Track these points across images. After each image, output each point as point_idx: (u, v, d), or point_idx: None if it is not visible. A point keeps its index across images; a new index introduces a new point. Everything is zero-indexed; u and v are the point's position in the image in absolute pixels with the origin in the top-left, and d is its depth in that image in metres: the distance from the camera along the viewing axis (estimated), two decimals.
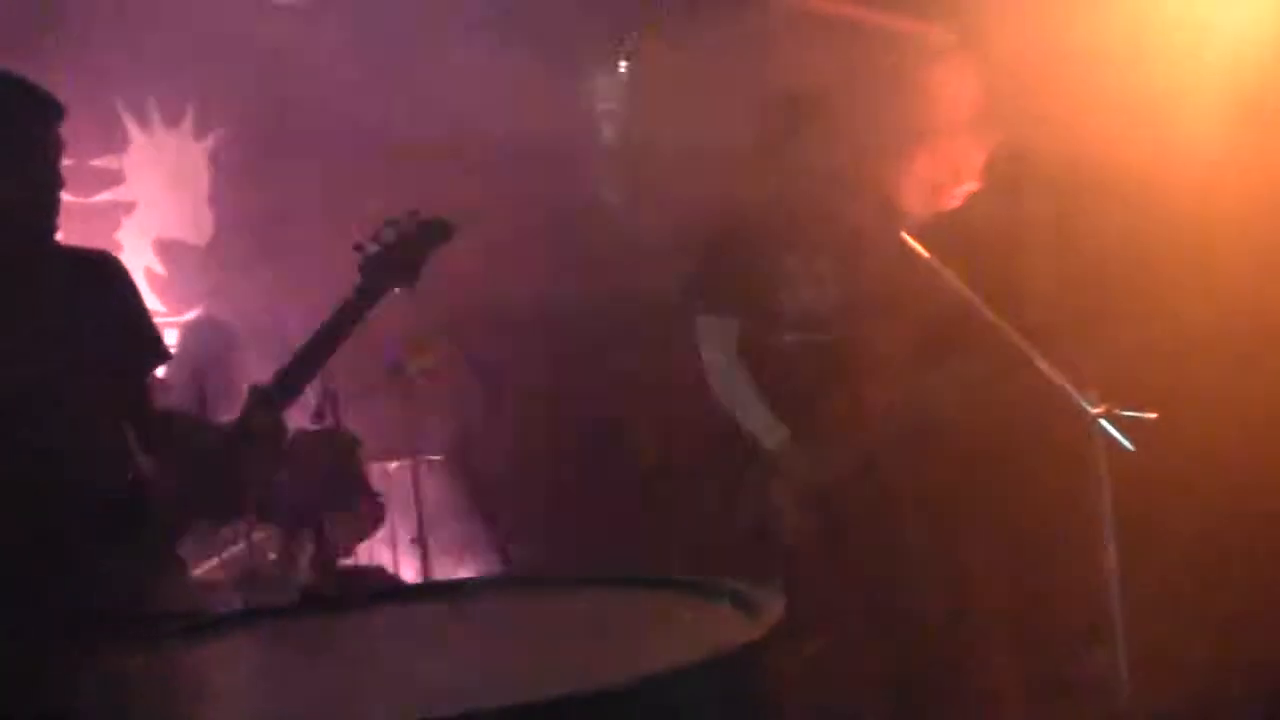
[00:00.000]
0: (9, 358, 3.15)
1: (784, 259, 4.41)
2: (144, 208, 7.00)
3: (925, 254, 4.23)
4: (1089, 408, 3.88)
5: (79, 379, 3.23)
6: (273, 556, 5.54)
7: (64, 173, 3.26)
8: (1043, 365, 3.96)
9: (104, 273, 3.44)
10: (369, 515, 6.04)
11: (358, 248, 3.43)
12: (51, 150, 3.20)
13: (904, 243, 4.25)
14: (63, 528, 3.13)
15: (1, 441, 3.13)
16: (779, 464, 4.25)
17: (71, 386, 3.21)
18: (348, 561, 5.96)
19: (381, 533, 6.33)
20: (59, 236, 3.36)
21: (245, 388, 3.33)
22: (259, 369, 6.50)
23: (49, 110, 3.20)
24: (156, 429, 3.49)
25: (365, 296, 3.38)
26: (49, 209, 3.24)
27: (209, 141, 7.25)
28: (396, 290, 3.44)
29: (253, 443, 3.28)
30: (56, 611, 3.02)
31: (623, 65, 6.90)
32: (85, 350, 3.26)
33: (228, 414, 3.63)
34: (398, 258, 3.44)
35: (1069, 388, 3.92)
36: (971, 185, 4.86)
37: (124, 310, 3.45)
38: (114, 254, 3.60)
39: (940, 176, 4.96)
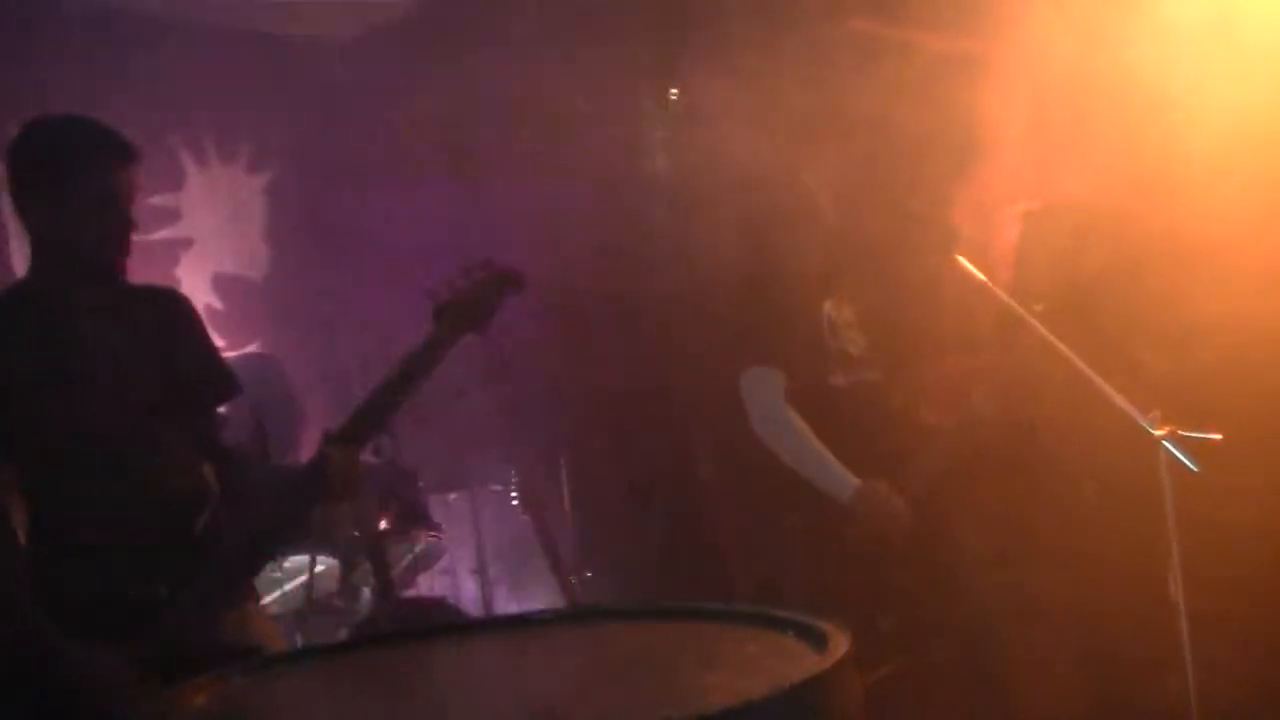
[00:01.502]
0: (89, 396, 3.21)
1: (828, 301, 4.34)
2: (202, 244, 7.07)
3: (980, 277, 4.21)
4: (1151, 429, 3.84)
5: (156, 415, 3.29)
6: (335, 589, 5.57)
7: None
8: (1104, 387, 3.93)
9: (174, 310, 3.51)
10: (429, 547, 6.06)
11: (431, 294, 3.50)
12: (126, 193, 3.26)
13: (959, 266, 4.22)
14: (140, 563, 3.18)
15: (81, 478, 3.18)
16: (851, 509, 4.16)
17: (148, 422, 3.27)
18: (409, 593, 5.98)
19: (442, 564, 6.35)
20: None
21: (321, 433, 3.37)
22: (314, 403, 6.61)
23: (124, 154, 3.26)
24: (230, 466, 3.53)
25: (438, 343, 3.45)
26: (122, 250, 3.29)
27: (265, 177, 7.32)
28: (468, 336, 3.51)
29: (327, 486, 3.32)
30: (132, 646, 3.06)
31: (673, 94, 6.91)
32: (160, 387, 3.32)
33: (283, 446, 3.68)
34: (471, 306, 3.51)
35: (1131, 409, 3.88)
36: (1026, 206, 4.82)
37: (194, 346, 3.51)
38: (177, 290, 3.66)
39: (994, 200, 4.93)
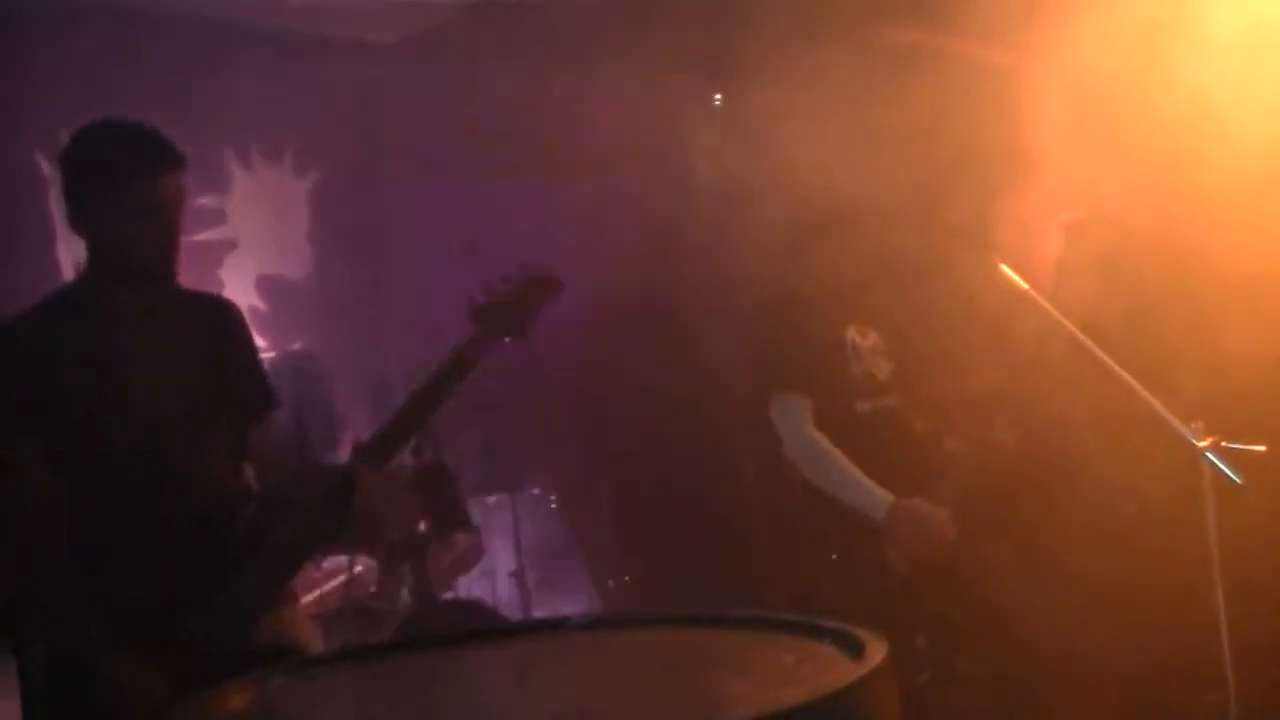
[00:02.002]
0: (134, 401, 3.23)
1: (851, 327, 4.33)
2: (246, 245, 7.10)
3: (1024, 285, 4.19)
4: (1195, 441, 3.81)
5: (201, 420, 3.32)
6: (373, 589, 5.59)
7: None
8: (1147, 397, 3.90)
9: (223, 318, 3.54)
10: (468, 549, 6.07)
11: (471, 299, 3.51)
12: (176, 199, 3.28)
13: (1000, 277, 4.20)
14: (180, 566, 3.21)
15: (123, 481, 3.21)
16: (885, 528, 4.16)
17: (193, 427, 3.30)
18: (447, 595, 6.00)
19: (481, 566, 6.37)
20: None
21: (352, 446, 3.41)
22: (356, 404, 6.64)
23: (175, 161, 3.28)
24: (269, 470, 3.56)
25: (477, 346, 3.47)
26: (172, 256, 3.31)
27: (309, 179, 7.35)
28: (507, 340, 3.53)
29: (357, 499, 3.33)
30: (170, 649, 3.08)
31: (717, 99, 6.92)
32: (205, 394, 3.35)
33: (323, 445, 3.70)
34: (510, 311, 3.53)
35: (1174, 420, 3.85)
36: (1068, 217, 4.80)
37: (242, 357, 3.54)
38: (227, 299, 3.69)
39: (1037, 210, 4.90)
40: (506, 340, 3.54)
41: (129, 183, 3.21)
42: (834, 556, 4.27)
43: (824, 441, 4.22)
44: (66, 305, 3.34)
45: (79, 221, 3.27)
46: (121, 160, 3.23)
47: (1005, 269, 4.23)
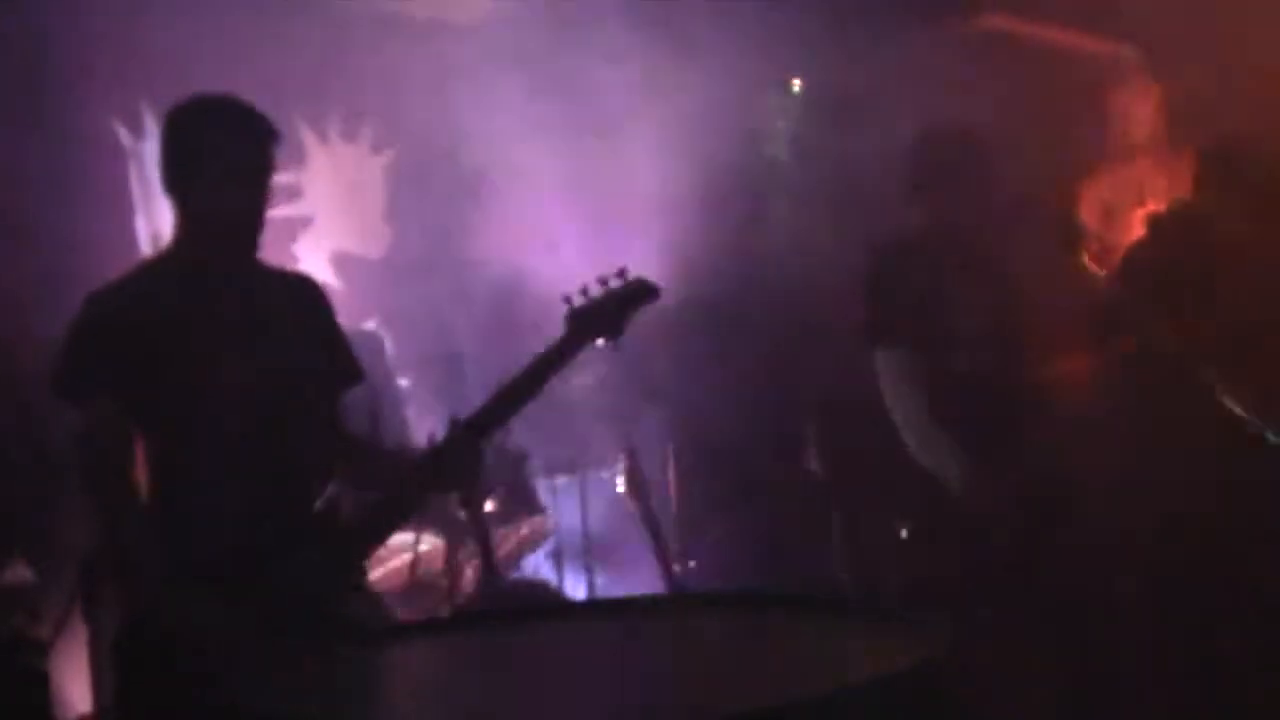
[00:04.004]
0: (224, 369, 3.30)
1: (956, 283, 4.31)
2: (321, 221, 7.13)
3: (1102, 275, 4.15)
4: (1272, 437, 3.76)
5: (289, 393, 3.40)
6: (439, 568, 5.60)
7: None
8: (1225, 394, 3.84)
9: (310, 295, 3.69)
10: (535, 529, 6.07)
11: (566, 300, 3.62)
12: (269, 170, 3.45)
13: (1084, 265, 4.16)
14: (259, 535, 3.26)
15: (209, 449, 3.28)
16: (963, 496, 4.13)
17: (278, 399, 3.36)
18: (513, 575, 6.00)
19: (547, 547, 6.36)
20: None
21: (449, 419, 3.51)
22: (425, 384, 6.65)
23: (270, 134, 3.45)
24: (351, 447, 3.68)
25: (570, 346, 3.58)
26: (260, 226, 3.46)
27: (386, 157, 7.36)
28: (599, 342, 3.64)
29: (448, 473, 3.49)
30: (244, 615, 3.11)
31: (796, 85, 6.88)
32: (292, 367, 3.42)
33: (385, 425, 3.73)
34: (603, 314, 3.63)
35: (1251, 416, 3.80)
36: (1154, 207, 4.75)
37: (326, 332, 3.67)
38: (313, 277, 3.85)
39: (1123, 199, 4.85)
40: (600, 344, 3.64)
41: (228, 151, 3.37)
42: (902, 534, 4.26)
43: (918, 398, 4.25)
44: (159, 270, 3.47)
45: (177, 187, 3.40)
46: (222, 130, 3.39)
47: (1086, 260, 4.20)
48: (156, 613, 3.16)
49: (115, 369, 3.24)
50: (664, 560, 5.94)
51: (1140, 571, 4.33)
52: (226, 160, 3.36)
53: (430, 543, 5.54)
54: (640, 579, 6.60)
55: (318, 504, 3.44)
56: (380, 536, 3.51)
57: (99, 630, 4.54)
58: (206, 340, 3.31)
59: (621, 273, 3.67)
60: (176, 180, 3.40)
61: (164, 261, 3.49)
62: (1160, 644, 4.35)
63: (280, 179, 3.58)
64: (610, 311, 3.62)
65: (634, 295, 3.67)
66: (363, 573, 3.54)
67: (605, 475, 6.58)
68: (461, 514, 5.35)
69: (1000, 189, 4.30)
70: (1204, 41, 4.73)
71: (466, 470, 3.49)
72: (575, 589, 6.37)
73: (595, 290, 3.63)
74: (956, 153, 4.34)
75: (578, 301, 3.61)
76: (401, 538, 5.47)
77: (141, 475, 3.29)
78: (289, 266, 3.92)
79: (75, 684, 4.96)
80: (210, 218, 3.38)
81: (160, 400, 3.26)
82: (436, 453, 3.51)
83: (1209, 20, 4.77)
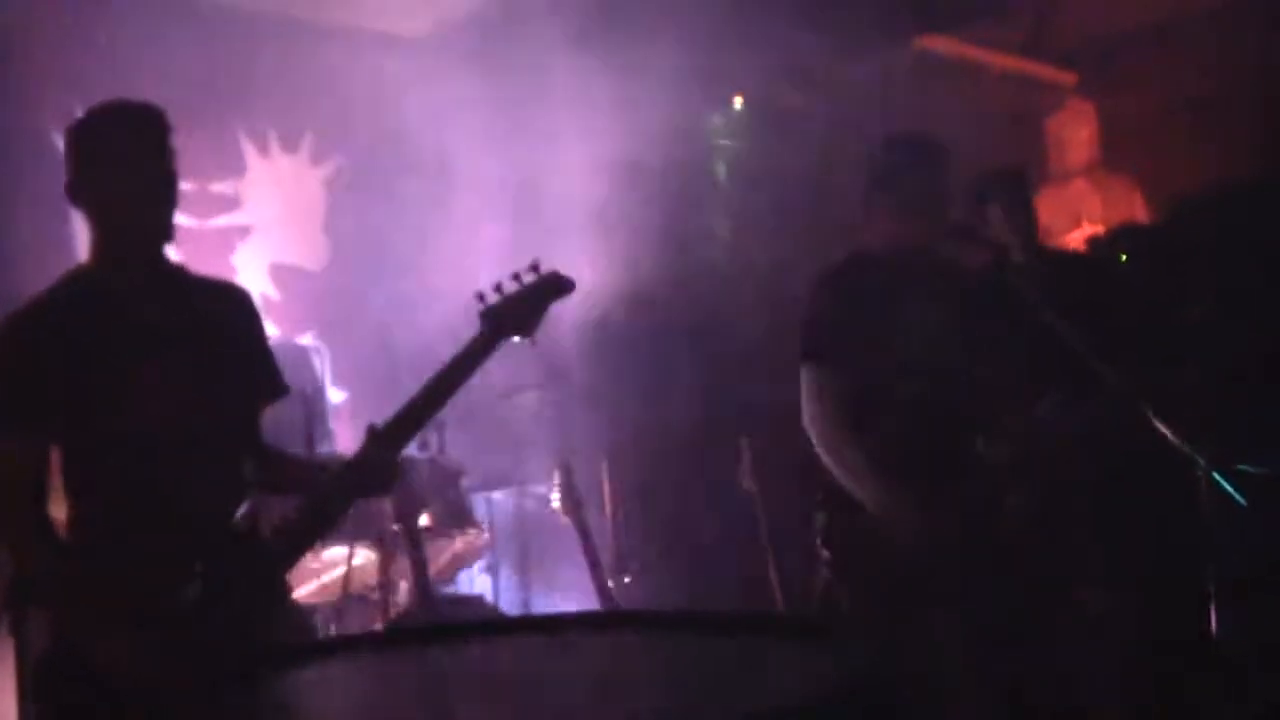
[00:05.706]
0: (138, 384, 3.20)
1: (894, 307, 4.29)
2: (260, 232, 7.10)
3: (1030, 295, 4.17)
4: (1201, 460, 3.78)
5: (217, 404, 3.31)
6: (373, 582, 5.57)
7: (183, 196, 3.33)
8: (1152, 417, 3.86)
9: (237, 305, 3.56)
10: (471, 544, 6.06)
11: (480, 297, 3.52)
12: (165, 159, 3.26)
13: (1016, 285, 4.18)
14: (178, 553, 3.17)
15: (123, 466, 3.19)
16: (892, 527, 4.11)
17: (195, 413, 3.26)
18: (448, 589, 5.98)
19: (482, 562, 6.35)
20: (180, 260, 3.45)
21: (366, 429, 3.43)
22: (364, 397, 6.63)
23: (160, 122, 3.26)
24: (270, 460, 3.57)
25: (485, 344, 3.49)
26: (170, 233, 3.31)
27: (326, 168, 7.34)
28: (515, 339, 3.55)
29: (368, 481, 3.41)
30: (167, 637, 3.05)
31: (738, 103, 6.91)
32: (213, 379, 3.32)
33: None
34: (519, 310, 3.54)
35: (1177, 439, 3.81)
36: (1091, 229, 4.79)
37: (252, 344, 3.56)
38: (241, 286, 3.70)
39: (1059, 222, 4.90)
40: (515, 340, 3.56)
41: (126, 145, 3.23)
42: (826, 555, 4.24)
43: (846, 422, 4.16)
44: (72, 285, 3.32)
45: (81, 197, 3.28)
46: (119, 127, 3.25)
47: (1018, 282, 4.21)
48: (71, 643, 3.10)
49: (25, 399, 3.15)
50: (598, 576, 5.94)
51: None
52: (120, 155, 3.22)
53: (364, 556, 5.51)
54: (576, 594, 6.60)
55: (238, 517, 3.33)
56: (302, 549, 3.44)
57: (25, 646, 4.48)
58: (124, 357, 3.21)
59: (534, 266, 3.58)
60: (80, 190, 3.27)
61: (79, 279, 3.34)
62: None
63: (219, 189, 3.54)
64: (525, 308, 3.54)
65: (548, 290, 3.58)
66: (287, 586, 3.48)
67: (541, 490, 6.57)
68: (396, 528, 5.33)
69: (951, 200, 4.30)
70: (1139, 68, 4.78)
71: (383, 477, 3.41)
72: (509, 603, 6.36)
73: (509, 285, 3.54)
74: (918, 151, 4.32)
75: (491, 298, 3.52)
76: (335, 551, 5.45)
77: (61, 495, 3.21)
78: (227, 277, 3.82)
79: (1, 701, 4.90)
80: (116, 217, 3.26)
81: (68, 419, 3.16)
82: (353, 462, 3.41)
83: (1145, 47, 4.83)
